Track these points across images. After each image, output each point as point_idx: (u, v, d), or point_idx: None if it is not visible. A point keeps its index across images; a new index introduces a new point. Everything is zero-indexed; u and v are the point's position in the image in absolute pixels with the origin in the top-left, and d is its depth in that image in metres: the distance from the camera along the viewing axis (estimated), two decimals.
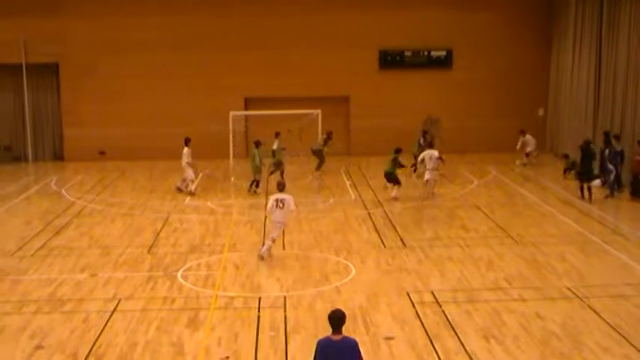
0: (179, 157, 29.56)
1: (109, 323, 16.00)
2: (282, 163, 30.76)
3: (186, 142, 29.49)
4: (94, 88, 37.48)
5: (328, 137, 33.11)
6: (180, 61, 37.38)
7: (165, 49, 37.32)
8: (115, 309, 16.83)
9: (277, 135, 32.02)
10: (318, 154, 32.78)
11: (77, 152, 37.88)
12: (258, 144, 28.98)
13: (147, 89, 37.55)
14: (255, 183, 29.13)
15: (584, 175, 27.52)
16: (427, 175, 27.66)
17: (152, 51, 37.30)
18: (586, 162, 27.58)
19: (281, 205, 20.08)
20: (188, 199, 28.54)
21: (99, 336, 15.31)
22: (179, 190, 29.59)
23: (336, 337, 10.40)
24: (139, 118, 37.65)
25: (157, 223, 24.88)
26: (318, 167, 32.60)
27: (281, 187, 20.56)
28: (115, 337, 15.25)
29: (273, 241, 20.53)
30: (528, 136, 34.60)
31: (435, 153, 27.64)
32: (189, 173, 29.39)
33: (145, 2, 37.36)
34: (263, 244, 20.92)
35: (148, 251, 21.59)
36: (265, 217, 25.09)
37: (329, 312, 10.83)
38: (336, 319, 10.44)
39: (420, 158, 28.27)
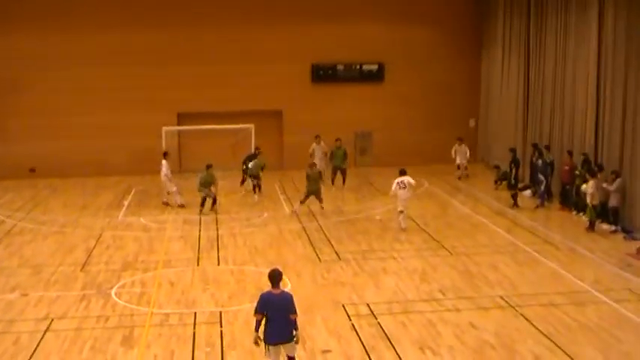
0: (113, 172, 29.26)
1: (42, 344, 15.72)
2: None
3: (165, 155, 29.81)
4: (21, 104, 36.81)
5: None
6: (111, 75, 36.95)
7: (95, 64, 36.89)
8: (47, 329, 16.54)
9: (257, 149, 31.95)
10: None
11: (6, 170, 37.12)
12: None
13: (77, 104, 37.03)
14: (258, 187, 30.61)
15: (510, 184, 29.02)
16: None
17: (82, 65, 36.82)
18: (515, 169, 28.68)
19: (403, 186, 24.74)
20: (121, 215, 28.25)
21: (30, 357, 15.02)
22: (166, 204, 29.50)
23: (276, 291, 12.78)
24: (69, 134, 37.10)
25: (89, 240, 24.55)
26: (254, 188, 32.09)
27: (403, 172, 25.20)
28: (48, 358, 14.99)
29: (402, 212, 24.82)
30: (463, 147, 34.66)
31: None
32: (170, 186, 29.47)
33: (73, 16, 36.81)
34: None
35: (81, 269, 21.29)
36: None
37: (268, 271, 13.06)
38: (275, 275, 12.85)
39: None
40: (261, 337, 12.70)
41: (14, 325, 16.94)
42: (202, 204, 27.87)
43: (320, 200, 27.65)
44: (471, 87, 38.98)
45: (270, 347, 12.76)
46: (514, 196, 28.34)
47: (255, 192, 30.68)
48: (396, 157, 37.79)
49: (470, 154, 35.03)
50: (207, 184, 27.85)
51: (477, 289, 18.91)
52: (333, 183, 32.15)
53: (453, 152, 34.55)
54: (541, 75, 31.88)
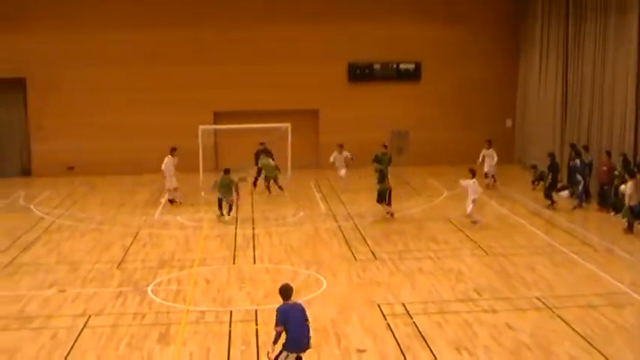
0: (150, 170, 29.48)
1: (79, 340, 15.87)
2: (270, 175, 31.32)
3: (172, 150, 29.89)
4: (61, 103, 37.23)
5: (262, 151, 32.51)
6: (148, 75, 37.25)
7: (133, 63, 37.19)
8: (84, 325, 16.69)
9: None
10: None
11: (45, 167, 37.59)
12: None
13: (115, 103, 37.37)
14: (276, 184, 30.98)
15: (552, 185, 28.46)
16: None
17: (120, 65, 37.15)
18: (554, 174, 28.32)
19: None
20: (157, 213, 28.43)
21: (68, 353, 15.16)
22: (171, 202, 29.67)
23: (290, 303, 13.23)
24: (107, 133, 37.44)
25: (126, 238, 24.73)
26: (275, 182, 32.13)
27: (473, 173, 25.57)
28: (85, 354, 15.12)
29: (474, 201, 25.35)
30: (491, 151, 32.25)
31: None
32: (170, 183, 29.56)
33: (113, 16, 37.20)
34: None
35: (118, 266, 21.46)
36: (235, 232, 25.09)
37: (279, 287, 13.40)
38: (287, 289, 13.29)
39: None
40: (274, 350, 12.98)
41: (52, 320, 17.12)
42: (219, 206, 27.07)
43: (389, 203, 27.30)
44: (508, 87, 38.72)
45: (289, 355, 13.04)
46: (549, 197, 28.13)
47: (269, 191, 31.41)
48: (432, 157, 37.82)
49: (493, 163, 32.25)
50: (224, 188, 26.88)
51: (514, 289, 18.78)
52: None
53: (480, 157, 32.42)
54: (579, 76, 31.59)
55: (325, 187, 33.10)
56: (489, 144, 32.49)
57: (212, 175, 31.52)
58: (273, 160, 31.83)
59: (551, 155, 29.37)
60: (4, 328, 16.70)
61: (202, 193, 31.50)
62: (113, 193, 32.65)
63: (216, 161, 36.76)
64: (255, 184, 32.23)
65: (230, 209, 26.91)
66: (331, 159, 32.53)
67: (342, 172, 32.00)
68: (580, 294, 18.35)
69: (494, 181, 32.47)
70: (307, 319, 13.19)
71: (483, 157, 32.49)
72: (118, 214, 28.48)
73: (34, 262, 22.13)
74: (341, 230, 25.28)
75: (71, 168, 37.56)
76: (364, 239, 23.99)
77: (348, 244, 23.43)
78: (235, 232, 25.08)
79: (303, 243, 23.68)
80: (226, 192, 26.76)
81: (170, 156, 29.61)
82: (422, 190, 32.10)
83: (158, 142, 36.86)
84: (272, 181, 31.24)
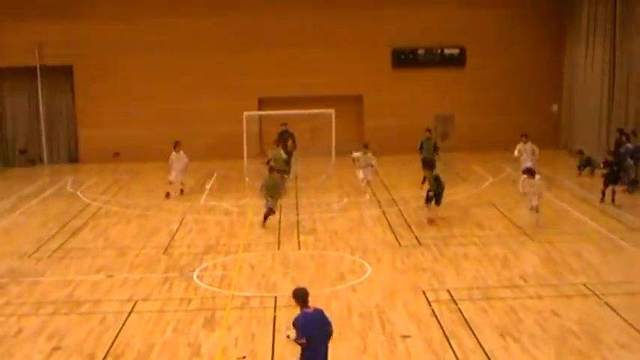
0: (195, 157, 29.62)
1: (126, 324, 16.06)
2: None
3: (175, 145, 29.17)
4: (108, 90, 37.59)
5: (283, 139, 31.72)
6: (193, 62, 37.46)
7: (178, 50, 37.41)
8: (131, 310, 16.89)
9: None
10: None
11: (92, 154, 38.01)
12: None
13: (160, 90, 37.63)
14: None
15: (612, 178, 26.26)
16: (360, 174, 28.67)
17: (165, 52, 37.39)
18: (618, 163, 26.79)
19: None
20: (203, 199, 28.63)
21: (116, 337, 15.36)
22: (181, 192, 29.38)
23: (309, 310, 11.81)
24: (152, 119, 37.73)
25: (172, 224, 24.94)
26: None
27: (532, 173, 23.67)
28: (132, 339, 15.30)
29: (540, 196, 23.46)
30: (529, 145, 28.80)
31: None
32: (173, 174, 29.03)
33: (158, 5, 37.45)
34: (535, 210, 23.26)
35: (164, 252, 21.66)
36: (280, 217, 25.15)
37: (293, 291, 12.13)
38: (304, 294, 11.85)
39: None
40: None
41: (100, 305, 17.34)
42: (266, 217, 24.11)
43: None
44: (553, 71, 38.26)
45: None
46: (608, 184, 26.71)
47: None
48: (476, 143, 37.53)
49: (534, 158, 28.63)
50: (269, 188, 24.16)
51: (560, 276, 18.62)
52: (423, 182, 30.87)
53: (516, 152, 28.91)
54: (627, 59, 31.15)
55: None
56: (526, 138, 28.95)
57: (256, 161, 31.54)
58: (294, 143, 31.67)
59: (622, 133, 28.58)
60: (54, 312, 16.95)
61: (247, 179, 31.63)
62: (158, 180, 32.81)
63: (261, 148, 36.83)
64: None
65: (266, 216, 24.03)
66: (353, 156, 29.06)
67: (361, 173, 28.65)
68: (628, 281, 18.13)
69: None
70: (329, 324, 11.90)
71: (519, 152, 28.83)
72: (164, 200, 28.67)
73: (82, 247, 22.41)
74: (385, 216, 25.25)
75: (117, 154, 37.92)
76: (408, 225, 23.94)
77: (392, 230, 23.40)
78: (280, 218, 25.14)
79: (347, 229, 23.69)
80: (275, 193, 24.23)
81: (174, 151, 29.07)
82: (467, 176, 31.92)
83: (203, 128, 37.16)
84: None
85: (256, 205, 27.23)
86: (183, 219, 25.52)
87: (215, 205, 27.60)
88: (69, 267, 20.42)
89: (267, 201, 24.05)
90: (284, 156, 29.34)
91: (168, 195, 28.94)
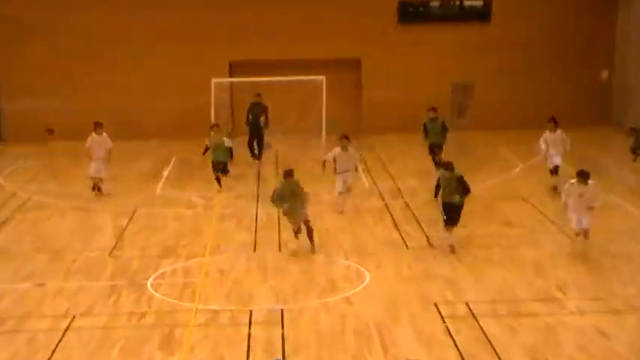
0: (150, 135, 29.54)
1: (61, 345, 16.01)
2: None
3: (95, 127, 28.05)
4: (40, 52, 37.42)
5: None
6: (150, 20, 37.32)
7: (133, 7, 37.26)
8: (67, 327, 16.83)
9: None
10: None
11: (19, 131, 37.87)
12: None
13: (109, 55, 37.49)
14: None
15: None
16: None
17: (116, 10, 37.23)
18: None
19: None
20: (159, 188, 28.62)
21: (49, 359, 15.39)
22: (98, 189, 27.85)
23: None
24: (97, 90, 37.62)
25: (120, 219, 24.91)
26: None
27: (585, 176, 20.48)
28: None
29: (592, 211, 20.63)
30: (559, 133, 27.40)
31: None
32: (94, 168, 27.71)
33: None
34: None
35: (110, 255, 21.65)
36: (256, 211, 25.13)
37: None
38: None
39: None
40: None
41: (28, 321, 17.29)
42: (295, 233, 21.71)
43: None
44: (603, 30, 38.29)
45: None
46: None
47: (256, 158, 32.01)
48: (503, 119, 37.52)
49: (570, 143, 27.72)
50: (283, 198, 21.58)
51: (608, 286, 18.67)
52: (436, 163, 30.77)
53: (542, 143, 27.27)
54: None
55: (369, 156, 33.07)
56: (555, 124, 27.34)
57: (228, 140, 31.47)
58: (267, 120, 31.84)
59: None
60: None
61: None
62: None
63: (233, 124, 36.76)
64: (255, 153, 32.24)
65: (298, 232, 21.67)
66: (330, 156, 25.54)
67: (340, 183, 25.28)
68: None
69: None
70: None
71: (546, 142, 27.25)
72: (110, 189, 28.61)
73: (4, 248, 22.39)
74: (388, 210, 25.29)
75: (51, 131, 37.76)
76: (417, 221, 23.98)
77: (397, 228, 23.44)
78: (256, 212, 25.15)
79: (340, 226, 23.71)
80: (293, 208, 21.50)
81: (94, 133, 27.92)
82: (491, 161, 31.98)
83: (161, 102, 37.09)
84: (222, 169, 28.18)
85: (225, 196, 27.24)
86: (134, 213, 25.49)
87: (175, 195, 27.57)
88: None
89: (288, 217, 21.63)
90: (227, 143, 28.16)
91: (98, 189, 27.79)
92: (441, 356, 15.19)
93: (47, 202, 27.08)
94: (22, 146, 36.70)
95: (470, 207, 25.15)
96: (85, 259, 21.29)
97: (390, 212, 25.08)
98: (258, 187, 28.00)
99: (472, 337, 16.00)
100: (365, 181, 28.98)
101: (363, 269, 19.99)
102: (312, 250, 21.31)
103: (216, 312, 17.53)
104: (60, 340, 16.20)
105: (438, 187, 23.23)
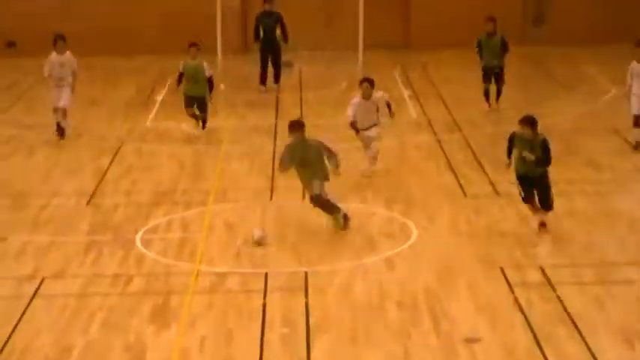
0: (139, 50, 29.52)
1: (27, 315, 16.12)
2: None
3: (55, 40, 27.43)
4: None
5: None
6: None
7: None
8: (35, 293, 16.95)
9: None
10: None
11: None
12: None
13: None
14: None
15: None
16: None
17: None
18: None
19: None
20: (150, 118, 28.67)
21: (10, 336, 15.37)
22: (61, 133, 26.92)
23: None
24: None
25: (101, 157, 25.01)
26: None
27: None
28: (37, 337, 15.34)
29: None
30: None
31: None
32: (57, 97, 27.05)
33: None
34: None
35: (88, 202, 21.79)
36: (274, 148, 25.14)
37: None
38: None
39: None
40: None
41: None
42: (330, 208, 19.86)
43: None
44: None
45: None
46: None
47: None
48: (590, 31, 37.21)
49: None
50: (295, 159, 19.83)
51: None
52: (487, 99, 30.49)
53: (628, 77, 25.36)
54: None
55: (418, 79, 32.99)
56: None
57: (236, 58, 31.44)
58: (285, 33, 31.68)
59: None
60: None
61: (221, 86, 31.62)
62: (81, 86, 32.59)
63: (245, 36, 36.70)
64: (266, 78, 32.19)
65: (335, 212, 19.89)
66: (349, 113, 23.52)
67: (373, 133, 23.65)
68: None
69: None
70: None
71: (631, 76, 25.34)
72: (88, 119, 28.75)
73: None
74: (442, 148, 25.26)
75: (12, 44, 37.80)
76: (479, 163, 23.96)
77: (452, 171, 23.45)
78: (274, 149, 25.17)
79: (381, 168, 23.72)
80: (309, 170, 19.79)
81: (54, 52, 27.29)
82: (574, 85, 31.81)
83: (152, 6, 37.03)
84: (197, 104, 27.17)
85: (235, 127, 27.24)
86: (118, 149, 25.56)
87: (170, 127, 27.61)
88: None
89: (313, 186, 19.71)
90: (207, 72, 26.82)
91: (61, 132, 26.93)
92: (508, 335, 15.18)
93: (10, 135, 27.19)
94: None
95: None
96: (56, 208, 21.47)
97: (443, 150, 25.07)
98: (277, 117, 27.95)
99: (548, 310, 15.99)
100: (412, 111, 28.91)
101: (409, 223, 20.02)
102: (341, 226, 19.60)
103: (222, 275, 17.62)
104: (25, 310, 16.29)
105: (510, 144, 19.85)
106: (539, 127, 19.22)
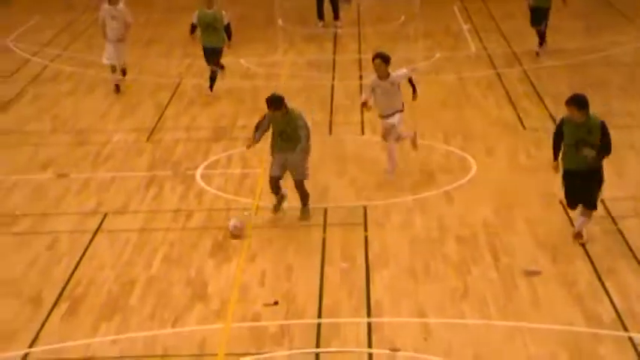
0: None
1: (90, 250, 16.35)
2: None
3: None
4: None
5: None
6: None
7: None
8: (97, 228, 17.18)
9: None
10: None
11: None
12: None
13: None
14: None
15: None
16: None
17: None
18: None
19: None
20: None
21: (73, 271, 15.61)
22: (117, 85, 25.97)
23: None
24: None
25: (160, 92, 25.12)
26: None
27: None
28: (100, 272, 15.55)
29: None
30: None
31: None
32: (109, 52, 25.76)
33: None
34: None
35: (147, 139, 21.96)
36: (332, 83, 25.11)
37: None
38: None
39: None
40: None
41: (48, 221, 17.68)
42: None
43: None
44: None
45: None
46: None
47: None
48: None
49: None
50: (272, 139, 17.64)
51: None
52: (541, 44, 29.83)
53: None
54: None
55: (478, 13, 32.78)
56: None
57: None
58: None
59: None
60: None
61: (279, 21, 31.58)
62: (137, 23, 32.41)
63: None
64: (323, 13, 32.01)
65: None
66: (363, 95, 19.93)
67: (396, 119, 19.18)
68: None
69: None
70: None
71: None
72: (146, 55, 28.77)
73: (16, 130, 22.81)
74: (501, 80, 25.15)
75: None
76: (539, 96, 23.83)
77: (512, 104, 23.36)
78: (332, 84, 25.14)
79: (439, 101, 23.66)
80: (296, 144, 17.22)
81: (107, 3, 25.80)
82: (635, 15, 31.49)
83: None
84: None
85: (294, 62, 27.23)
86: (178, 86, 25.64)
87: (228, 63, 27.61)
88: None
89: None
90: (225, 19, 25.30)
91: (117, 88, 25.93)
92: (568, 269, 15.19)
93: (68, 72, 27.29)
94: (33, 1, 36.85)
95: (607, 75, 25.00)
96: (117, 144, 21.64)
97: (503, 83, 24.95)
98: (335, 52, 27.91)
99: (609, 244, 15.99)
100: (471, 44, 28.77)
101: (468, 156, 20.00)
102: (301, 217, 17.57)
103: (281, 210, 17.65)
104: (88, 246, 16.51)
105: (558, 137, 16.21)
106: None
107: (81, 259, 16.02)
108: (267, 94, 24.55)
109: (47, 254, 16.24)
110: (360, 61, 27.27)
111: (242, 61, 27.72)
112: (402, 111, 18.94)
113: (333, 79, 25.62)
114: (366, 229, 16.74)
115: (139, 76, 26.67)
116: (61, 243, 16.67)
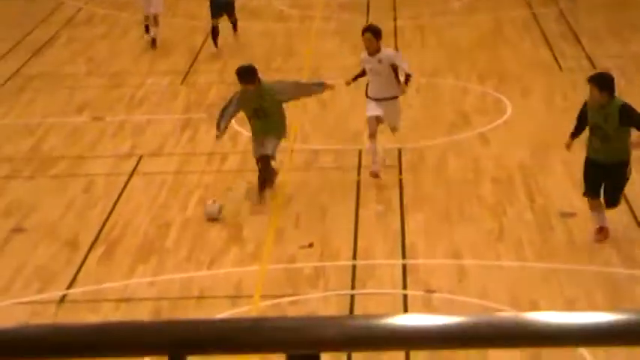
0: None
1: (126, 192, 16.48)
2: None
3: None
4: None
5: None
6: None
7: None
8: (133, 170, 17.32)
9: None
10: None
11: None
12: None
13: None
14: None
15: None
16: None
17: None
18: None
19: None
20: None
21: (109, 214, 15.76)
22: (153, 42, 24.92)
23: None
24: None
25: (194, 35, 25.14)
26: None
27: None
28: (135, 215, 15.71)
29: None
30: None
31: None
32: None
33: None
34: None
35: (182, 82, 22.01)
36: (366, 24, 25.03)
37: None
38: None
39: None
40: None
41: (85, 163, 17.82)
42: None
43: None
44: None
45: None
46: None
47: None
48: None
49: None
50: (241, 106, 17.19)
51: None
52: None
53: None
54: None
55: None
56: None
57: None
58: None
59: None
60: (11, 174, 17.49)
61: None
62: None
63: None
64: None
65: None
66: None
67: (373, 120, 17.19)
68: None
69: None
70: None
71: None
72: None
73: (51, 73, 22.83)
74: (536, 20, 25.02)
75: None
76: (575, 36, 23.71)
77: (548, 44, 23.25)
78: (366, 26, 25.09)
79: (475, 42, 23.59)
80: (271, 120, 16.64)
81: None
82: None
83: None
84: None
85: (327, 3, 27.15)
86: (211, 28, 25.61)
87: (261, 5, 27.56)
88: (32, 104, 20.87)
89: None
90: None
91: (153, 43, 24.79)
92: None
93: (104, 15, 27.30)
94: None
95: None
96: (151, 87, 21.68)
97: (538, 23, 24.81)
98: None
99: None
100: None
101: (503, 98, 19.94)
102: (257, 200, 16.17)
103: (316, 153, 17.78)
104: (124, 188, 16.64)
105: (581, 117, 15.05)
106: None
107: (117, 201, 16.14)
108: (300, 35, 24.80)
109: (83, 197, 16.37)
110: (394, 2, 27.14)
111: (276, 2, 27.64)
112: (396, 97, 16.85)
113: (367, 21, 25.48)
114: (400, 171, 16.76)
115: (173, 20, 26.64)
116: (97, 186, 16.79)
